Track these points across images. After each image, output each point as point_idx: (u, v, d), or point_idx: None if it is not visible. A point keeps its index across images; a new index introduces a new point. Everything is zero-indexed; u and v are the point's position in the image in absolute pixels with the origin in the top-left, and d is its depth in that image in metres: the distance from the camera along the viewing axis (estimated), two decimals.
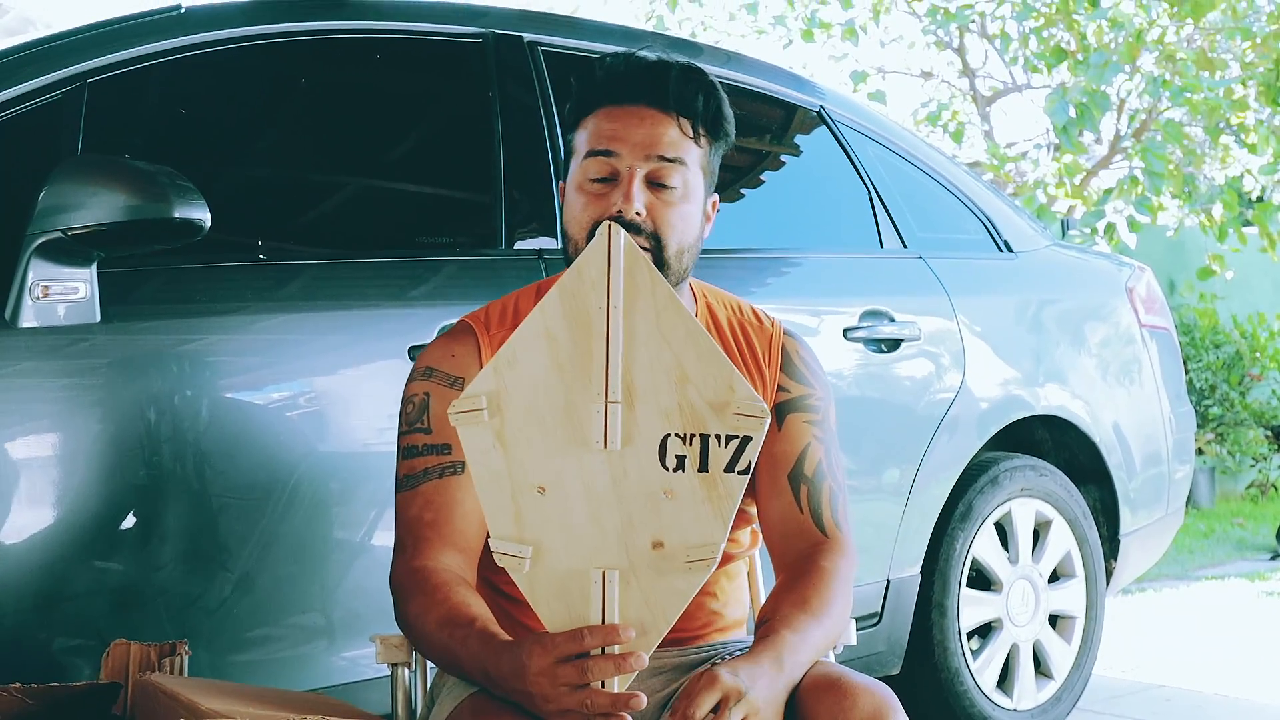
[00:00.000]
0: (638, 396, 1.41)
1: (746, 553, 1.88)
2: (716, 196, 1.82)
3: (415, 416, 1.74)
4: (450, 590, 1.60)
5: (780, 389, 1.80)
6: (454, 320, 1.85)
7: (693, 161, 1.73)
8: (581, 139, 1.73)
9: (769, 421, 1.41)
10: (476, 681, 1.54)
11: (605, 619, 1.41)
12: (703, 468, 1.40)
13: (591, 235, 1.65)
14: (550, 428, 1.42)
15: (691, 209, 1.73)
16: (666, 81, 1.71)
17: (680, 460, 1.40)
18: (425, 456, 1.72)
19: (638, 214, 1.67)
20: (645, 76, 1.72)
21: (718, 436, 1.40)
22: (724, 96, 1.76)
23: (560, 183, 1.82)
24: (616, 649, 1.40)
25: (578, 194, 1.72)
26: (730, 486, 1.40)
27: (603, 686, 1.41)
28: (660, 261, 1.69)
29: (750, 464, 1.40)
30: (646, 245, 1.67)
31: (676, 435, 1.40)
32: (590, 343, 1.41)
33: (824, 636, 1.64)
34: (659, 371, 1.41)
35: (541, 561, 1.42)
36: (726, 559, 1.81)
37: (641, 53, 1.75)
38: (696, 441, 1.40)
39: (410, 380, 1.79)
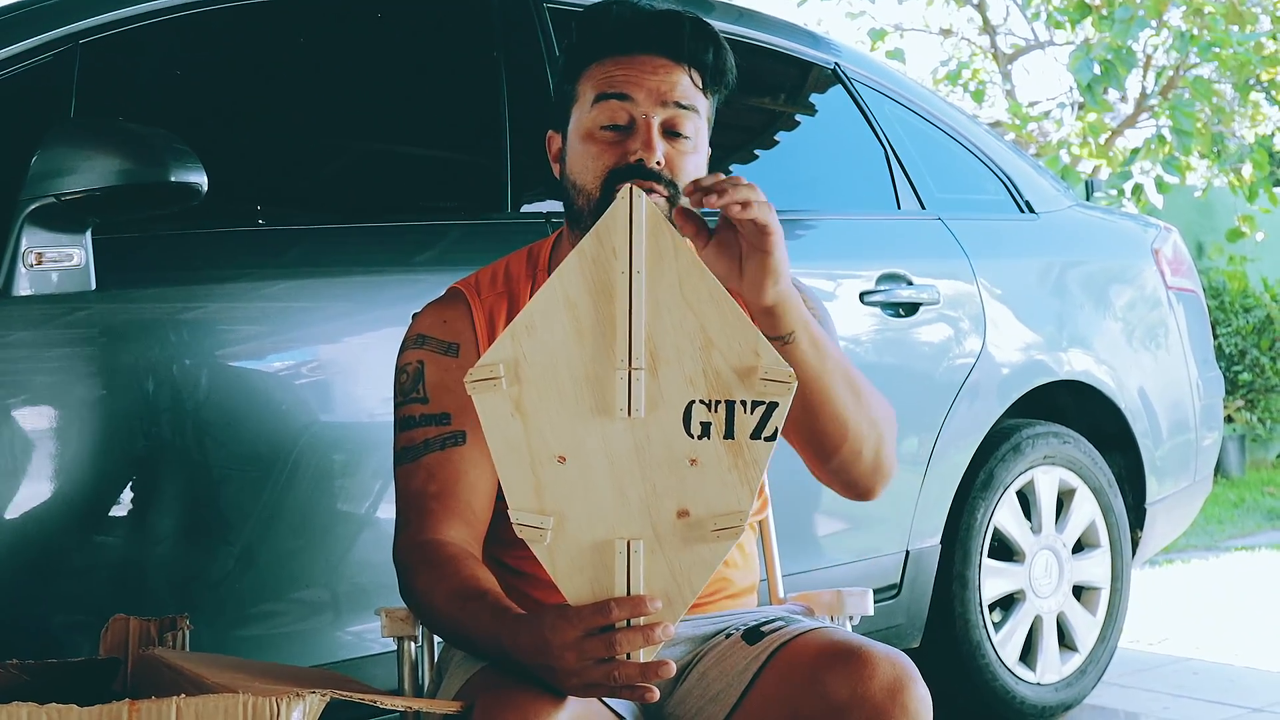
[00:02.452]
0: (661, 363, 1.39)
1: (756, 517, 1.84)
2: (710, 151, 1.79)
3: (410, 386, 1.72)
4: (460, 564, 1.59)
5: None
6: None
7: (702, 111, 1.71)
8: (587, 86, 1.69)
9: (796, 387, 1.39)
10: (487, 656, 1.51)
11: (630, 590, 1.39)
12: (728, 434, 1.38)
13: (607, 185, 1.63)
14: (570, 396, 1.40)
15: (701, 160, 1.71)
16: (681, 32, 1.68)
17: (705, 427, 1.38)
18: (424, 427, 1.69)
19: (658, 162, 1.64)
20: (658, 25, 1.69)
21: (743, 403, 1.38)
22: (729, 50, 1.73)
23: (551, 132, 1.77)
24: (643, 621, 1.38)
25: (587, 142, 1.68)
26: (757, 453, 1.38)
27: (629, 659, 1.38)
28: (672, 201, 1.66)
29: (777, 430, 1.38)
30: (665, 193, 1.64)
31: (701, 402, 1.38)
32: (612, 309, 1.39)
33: (846, 369, 1.63)
34: (683, 337, 1.39)
35: (563, 533, 1.40)
36: None
37: (646, 1, 1.72)
38: (722, 408, 1.38)
39: (402, 350, 1.76)
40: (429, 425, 1.69)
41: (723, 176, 1.48)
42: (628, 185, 1.42)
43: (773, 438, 1.38)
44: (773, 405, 1.37)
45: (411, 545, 1.64)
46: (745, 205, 1.45)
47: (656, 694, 1.39)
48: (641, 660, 1.38)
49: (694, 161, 1.68)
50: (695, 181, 1.48)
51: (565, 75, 1.74)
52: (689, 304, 1.39)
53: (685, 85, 1.68)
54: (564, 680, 1.40)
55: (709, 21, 1.73)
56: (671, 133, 1.67)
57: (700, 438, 1.38)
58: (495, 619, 1.48)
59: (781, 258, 1.50)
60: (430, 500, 1.66)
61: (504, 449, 1.41)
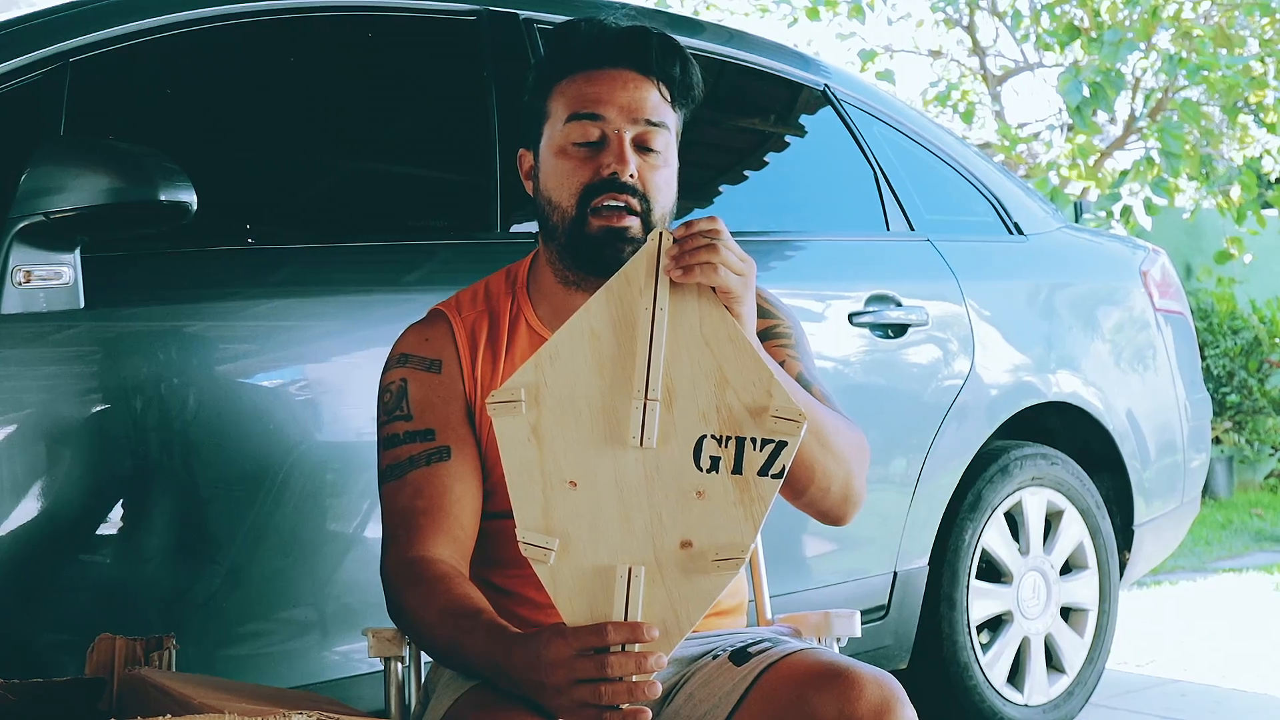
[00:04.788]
0: (677, 397, 1.43)
1: None
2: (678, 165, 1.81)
3: (394, 404, 1.73)
4: (451, 582, 1.59)
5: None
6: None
7: (671, 126, 1.72)
8: (559, 103, 1.71)
9: (806, 426, 1.41)
10: (478, 674, 1.52)
11: (628, 616, 1.41)
12: (736, 470, 1.41)
13: (583, 200, 1.66)
14: (586, 424, 1.44)
15: (672, 174, 1.73)
16: (649, 47, 1.70)
17: (714, 461, 1.42)
18: (409, 444, 1.70)
19: (631, 175, 1.66)
20: (626, 41, 1.70)
21: (753, 440, 1.41)
22: (696, 65, 1.75)
23: (523, 150, 1.79)
24: (638, 647, 1.39)
25: (560, 159, 1.69)
26: (763, 490, 1.41)
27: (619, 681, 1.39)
28: (648, 225, 1.68)
29: (784, 469, 1.41)
30: (638, 208, 1.67)
31: (713, 437, 1.42)
32: (634, 343, 1.44)
33: (812, 412, 1.59)
34: (699, 374, 1.43)
35: (567, 555, 1.43)
36: None
37: (605, 18, 1.74)
38: (732, 444, 1.41)
39: (385, 370, 1.78)
40: (414, 442, 1.69)
41: (685, 237, 1.46)
42: (657, 230, 1.47)
43: (780, 475, 1.40)
44: (782, 444, 1.41)
45: (400, 562, 1.63)
46: (705, 268, 1.45)
47: (649, 715, 1.39)
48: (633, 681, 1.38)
49: (664, 176, 1.70)
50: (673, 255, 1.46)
51: (535, 92, 1.75)
52: (708, 343, 1.43)
53: (655, 100, 1.69)
54: (552, 698, 1.40)
55: (676, 38, 1.74)
56: (642, 148, 1.68)
57: (709, 471, 1.41)
58: (490, 636, 1.49)
59: (747, 312, 1.51)
60: (418, 516, 1.65)
61: (517, 470, 1.44)
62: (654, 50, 1.70)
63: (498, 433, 1.45)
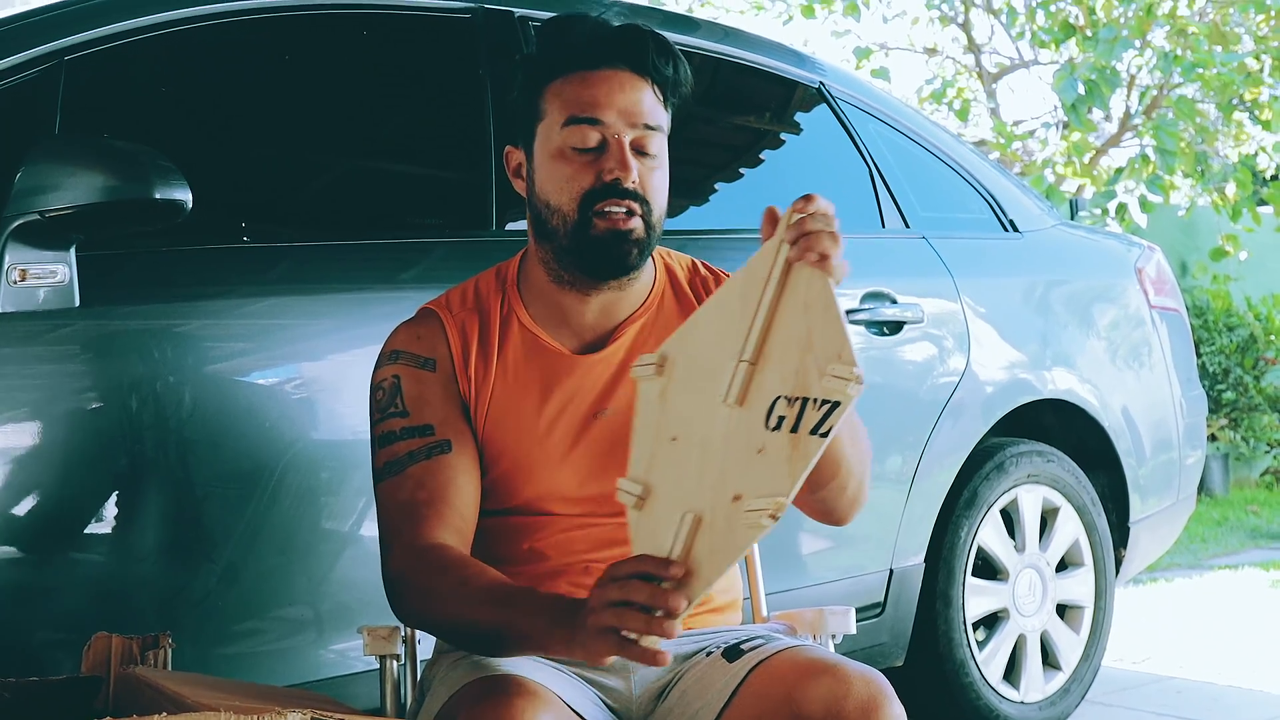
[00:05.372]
0: (768, 359, 1.47)
1: None
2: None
3: (388, 402, 1.72)
4: (478, 566, 1.57)
5: None
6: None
7: (664, 127, 1.72)
8: (554, 105, 1.69)
9: (861, 388, 1.41)
10: (513, 651, 1.51)
11: (674, 558, 1.42)
12: (794, 428, 1.43)
13: (584, 205, 1.66)
14: (700, 384, 1.50)
15: (666, 174, 1.73)
16: (645, 46, 1.69)
17: (780, 421, 1.43)
18: (406, 440, 1.69)
19: (633, 181, 1.66)
20: (622, 40, 1.69)
21: (814, 400, 1.43)
22: (685, 62, 1.74)
23: (510, 147, 1.78)
24: (665, 584, 1.39)
25: (558, 162, 1.68)
26: (809, 447, 1.41)
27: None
28: (649, 226, 1.69)
29: (832, 429, 1.40)
30: (638, 210, 1.67)
31: (785, 398, 1.44)
32: (750, 310, 1.48)
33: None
34: (791, 339, 1.46)
35: (649, 503, 1.48)
36: None
37: (599, 15, 1.73)
38: (798, 404, 1.43)
39: (377, 368, 1.76)
40: (411, 438, 1.68)
41: (805, 215, 1.48)
42: (791, 209, 1.48)
43: (826, 435, 1.41)
44: (835, 404, 1.41)
45: (409, 552, 1.61)
46: (823, 259, 1.46)
47: (667, 657, 1.38)
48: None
49: (660, 177, 1.71)
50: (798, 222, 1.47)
51: (526, 89, 1.72)
52: (806, 309, 1.46)
53: (650, 102, 1.69)
54: (580, 627, 1.39)
55: (665, 34, 1.74)
56: (640, 152, 1.68)
57: (774, 430, 1.44)
58: (530, 598, 1.49)
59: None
60: (422, 507, 1.64)
61: (641, 429, 1.52)
62: (650, 50, 1.69)
63: (638, 396, 1.53)
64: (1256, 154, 8.87)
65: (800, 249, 1.46)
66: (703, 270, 1.85)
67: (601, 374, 1.75)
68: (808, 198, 1.49)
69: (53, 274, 2.00)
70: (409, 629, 1.82)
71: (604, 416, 1.73)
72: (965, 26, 10.46)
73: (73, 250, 2.01)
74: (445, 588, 1.56)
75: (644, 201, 1.67)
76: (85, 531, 2.03)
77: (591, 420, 1.73)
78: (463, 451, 1.69)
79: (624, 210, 1.66)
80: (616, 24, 1.71)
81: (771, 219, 1.51)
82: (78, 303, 2.01)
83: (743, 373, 1.47)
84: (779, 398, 1.44)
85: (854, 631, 1.88)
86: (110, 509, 2.05)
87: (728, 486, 1.44)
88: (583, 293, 1.74)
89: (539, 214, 1.72)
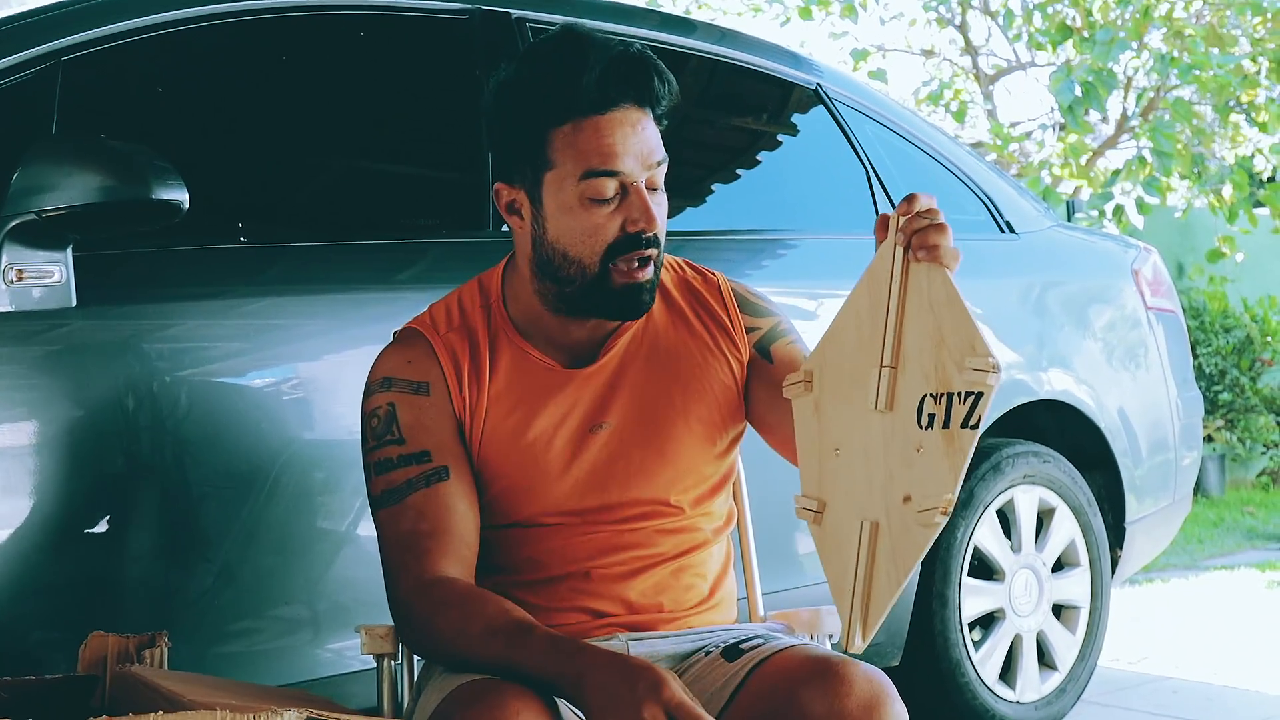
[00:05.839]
0: (907, 361, 1.51)
1: (724, 533, 1.83)
2: None
3: (383, 429, 1.68)
4: (485, 599, 1.57)
5: (750, 329, 1.80)
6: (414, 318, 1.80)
7: (665, 154, 1.68)
8: (565, 155, 1.62)
9: (1000, 377, 1.45)
10: (536, 683, 1.49)
11: (860, 567, 1.48)
12: (946, 424, 1.47)
13: (607, 258, 1.63)
14: (849, 394, 1.55)
15: (665, 199, 1.70)
16: (649, 79, 1.63)
17: (931, 418, 1.48)
18: (404, 468, 1.66)
19: (656, 229, 1.64)
20: (627, 78, 1.62)
21: (959, 394, 1.46)
22: (673, 76, 1.69)
23: (502, 185, 1.69)
24: None
25: (579, 215, 1.63)
26: (964, 442, 1.45)
27: None
28: (658, 266, 1.67)
29: (981, 419, 1.44)
30: (653, 256, 1.65)
31: (931, 395, 1.48)
32: (883, 317, 1.53)
33: None
34: (924, 337, 1.50)
35: (829, 515, 1.54)
36: (704, 543, 1.77)
37: (588, 43, 1.63)
38: (944, 400, 1.47)
39: (368, 395, 1.72)
40: (409, 465, 1.66)
41: (911, 215, 1.52)
42: (896, 214, 1.52)
43: (977, 426, 1.45)
44: (979, 395, 1.45)
45: (419, 587, 1.59)
46: (933, 250, 1.50)
47: None
48: None
49: (665, 206, 1.68)
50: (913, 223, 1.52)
51: (525, 130, 1.64)
52: (932, 306, 1.50)
53: (656, 137, 1.65)
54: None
55: (650, 51, 1.68)
56: (650, 188, 1.65)
57: (927, 428, 1.47)
58: (554, 648, 1.48)
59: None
60: (424, 540, 1.62)
61: (804, 443, 1.59)
62: (653, 80, 1.63)
63: (794, 412, 1.59)
64: (1253, 156, 8.88)
65: (913, 248, 1.50)
66: (689, 271, 1.83)
67: (595, 387, 1.73)
68: (909, 199, 1.52)
69: (49, 274, 2.00)
70: None
71: (600, 430, 1.71)
72: (962, 28, 10.47)
73: (69, 250, 2.01)
74: (451, 626, 1.55)
75: (658, 243, 1.66)
76: (81, 531, 2.03)
77: (588, 435, 1.71)
78: (460, 477, 1.67)
79: (641, 261, 1.64)
80: (616, 50, 1.62)
81: (884, 225, 1.55)
82: (74, 303, 2.01)
83: (886, 378, 1.51)
84: (925, 396, 1.48)
85: None
86: (106, 508, 2.05)
87: (896, 489, 1.48)
88: (583, 322, 1.72)
89: (548, 259, 1.67)
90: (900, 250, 1.52)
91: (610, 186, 1.62)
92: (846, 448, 1.54)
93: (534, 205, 1.67)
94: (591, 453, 1.71)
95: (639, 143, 1.62)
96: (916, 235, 1.51)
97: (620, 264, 1.64)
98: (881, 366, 1.52)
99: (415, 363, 1.71)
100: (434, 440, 1.67)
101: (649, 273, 1.66)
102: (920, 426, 1.48)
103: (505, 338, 1.73)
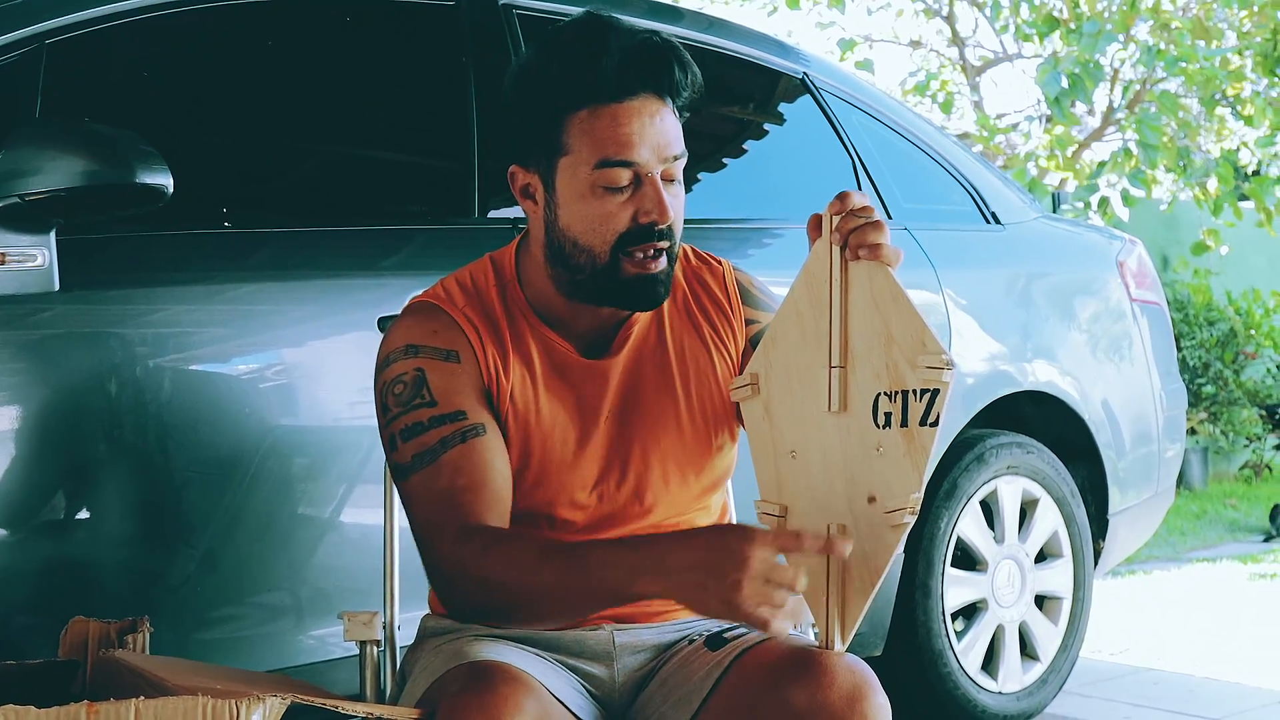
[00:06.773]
0: (856, 360, 1.51)
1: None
2: None
3: (412, 394, 1.62)
4: (531, 534, 1.56)
5: (749, 321, 1.78)
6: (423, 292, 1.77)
7: (684, 149, 1.65)
8: (581, 142, 1.59)
9: (955, 373, 1.46)
10: (589, 607, 1.49)
11: (833, 570, 1.49)
12: (904, 423, 1.47)
13: (617, 247, 1.61)
14: (799, 397, 1.56)
15: (683, 193, 1.67)
16: (671, 67, 1.61)
17: (888, 417, 1.48)
18: (437, 428, 1.60)
19: (669, 221, 1.62)
20: (649, 65, 1.60)
21: (914, 391, 1.47)
22: (695, 67, 1.66)
23: (518, 168, 1.67)
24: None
25: (590, 202, 1.61)
26: (924, 440, 1.46)
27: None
28: (672, 257, 1.65)
29: (939, 416, 1.46)
30: (666, 248, 1.63)
31: (885, 394, 1.49)
32: (825, 316, 1.53)
33: None
34: (871, 335, 1.50)
35: (792, 520, 1.55)
36: None
37: (610, 30, 1.61)
38: (899, 398, 1.48)
39: (388, 364, 1.66)
40: (443, 424, 1.60)
41: (845, 214, 1.52)
42: (829, 213, 1.53)
43: (936, 423, 1.45)
44: (935, 391, 1.46)
45: (463, 535, 1.52)
46: (874, 248, 1.51)
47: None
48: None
49: (681, 200, 1.65)
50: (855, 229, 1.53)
51: (540, 113, 1.62)
52: (877, 304, 1.50)
53: (675, 129, 1.62)
54: (737, 589, 1.37)
55: (676, 42, 1.66)
56: (666, 180, 1.62)
57: (884, 427, 1.48)
58: (621, 547, 1.46)
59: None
60: (463, 494, 1.56)
61: (758, 447, 1.59)
62: (675, 70, 1.61)
63: (744, 417, 1.59)
64: (1238, 149, 8.91)
65: (851, 247, 1.50)
66: (694, 259, 1.80)
67: (607, 379, 1.71)
68: (842, 196, 1.52)
69: (32, 258, 1.99)
70: (389, 614, 1.82)
71: (607, 423, 1.70)
72: (949, 19, 10.48)
73: (53, 234, 2.00)
74: (503, 560, 1.48)
75: (671, 233, 1.63)
76: (63, 516, 2.03)
77: (594, 427, 1.69)
78: (495, 436, 1.63)
79: (654, 252, 1.62)
80: (637, 39, 1.60)
81: (817, 224, 1.54)
82: (57, 287, 2.00)
83: (837, 378, 1.52)
84: (879, 395, 1.49)
85: None
86: (88, 493, 2.05)
87: (859, 490, 1.49)
88: (595, 308, 1.69)
89: (559, 245, 1.65)
90: (837, 249, 1.51)
91: (624, 176, 1.59)
92: (802, 450, 1.54)
93: (547, 190, 1.64)
94: (601, 442, 1.70)
95: (656, 133, 1.60)
96: (854, 234, 1.50)
97: (632, 254, 1.61)
98: (831, 367, 1.51)
99: (441, 333, 1.66)
100: (469, 402, 1.62)
101: (662, 264, 1.63)
102: (877, 426, 1.48)
103: (523, 319, 1.70)
